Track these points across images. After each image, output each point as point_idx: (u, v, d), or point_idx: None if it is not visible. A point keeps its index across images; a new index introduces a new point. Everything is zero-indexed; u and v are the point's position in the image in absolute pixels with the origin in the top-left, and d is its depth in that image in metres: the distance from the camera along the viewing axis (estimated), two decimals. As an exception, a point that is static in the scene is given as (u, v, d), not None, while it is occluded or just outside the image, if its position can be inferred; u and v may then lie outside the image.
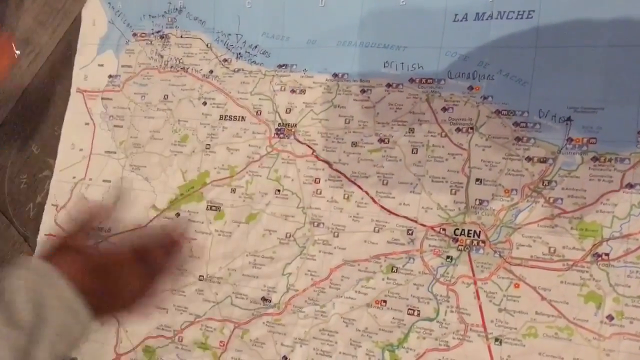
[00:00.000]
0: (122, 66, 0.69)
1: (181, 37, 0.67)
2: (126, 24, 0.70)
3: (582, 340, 0.46)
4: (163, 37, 0.68)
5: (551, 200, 0.49)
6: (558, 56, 0.51)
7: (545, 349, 0.47)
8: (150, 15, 0.69)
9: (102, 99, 0.69)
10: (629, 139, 0.47)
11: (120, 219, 0.65)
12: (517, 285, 0.49)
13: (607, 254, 0.46)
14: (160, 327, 0.61)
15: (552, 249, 0.48)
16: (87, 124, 0.69)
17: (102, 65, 0.70)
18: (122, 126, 0.67)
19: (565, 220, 0.48)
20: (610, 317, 0.46)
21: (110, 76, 0.69)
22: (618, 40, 0.49)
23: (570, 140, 0.49)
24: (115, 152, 0.67)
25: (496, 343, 0.49)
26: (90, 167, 0.68)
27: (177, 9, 0.67)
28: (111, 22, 0.71)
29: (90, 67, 0.70)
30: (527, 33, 0.52)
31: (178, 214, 0.62)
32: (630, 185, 0.47)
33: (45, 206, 0.69)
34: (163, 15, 0.68)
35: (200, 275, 0.60)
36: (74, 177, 0.68)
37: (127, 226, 0.64)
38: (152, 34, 0.68)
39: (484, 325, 0.49)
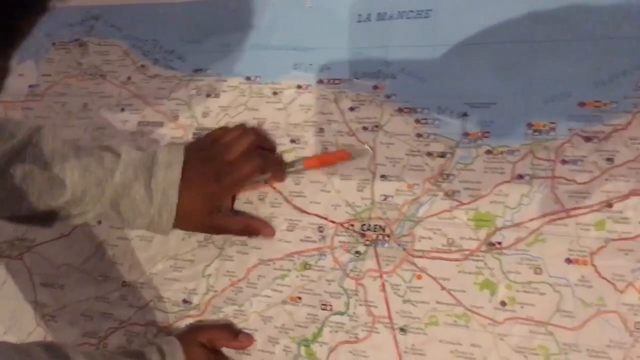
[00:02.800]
0: (42, 75, 0.69)
1: (99, 44, 0.67)
2: (44, 33, 0.70)
3: (479, 327, 0.48)
4: (82, 45, 0.68)
5: (449, 193, 0.51)
6: (454, 54, 0.53)
7: (445, 336, 0.49)
8: (68, 24, 0.69)
9: (23, 108, 0.69)
10: (519, 132, 0.50)
11: (43, 228, 0.65)
12: (419, 277, 0.51)
13: (499, 243, 0.49)
14: (86, 334, 0.61)
15: (450, 240, 0.50)
16: (9, 134, 0.69)
17: (22, 75, 0.70)
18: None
19: (462, 211, 0.50)
20: (503, 303, 0.48)
21: (30, 86, 0.69)
22: (508, 37, 0.51)
23: (466, 134, 0.51)
24: (37, 162, 0.67)
25: (401, 333, 0.50)
26: (13, 178, 0.68)
27: (94, 17, 0.68)
28: (30, 31, 0.70)
29: (9, 77, 0.69)
30: (425, 32, 0.54)
31: (99, 222, 0.62)
32: (520, 176, 0.49)
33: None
34: (81, 24, 0.68)
35: (123, 281, 0.61)
36: (-3, 189, 0.68)
37: (50, 236, 0.64)
38: (71, 42, 0.68)
39: (389, 317, 0.51)
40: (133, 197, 0.52)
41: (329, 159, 0.55)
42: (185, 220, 0.54)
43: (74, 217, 0.54)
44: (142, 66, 0.65)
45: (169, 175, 0.52)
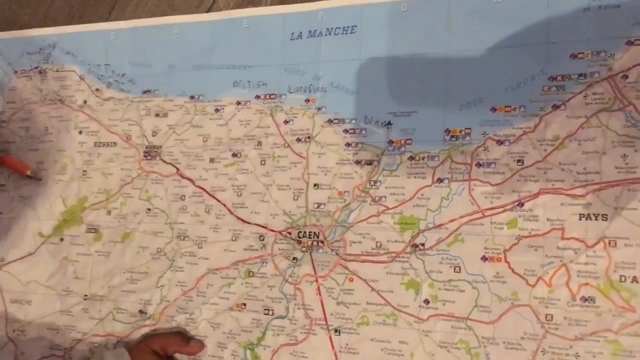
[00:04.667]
0: (7, 103, 0.73)
1: (57, 71, 0.70)
2: (7, 62, 0.73)
3: (405, 324, 0.51)
4: (41, 72, 0.71)
5: (377, 198, 0.53)
6: (378, 67, 0.55)
7: (375, 334, 0.51)
8: (28, 53, 0.72)
9: (-9, 135, 0.73)
10: (438, 138, 0.52)
11: (11, 248, 0.68)
12: (351, 279, 0.53)
13: (423, 244, 0.51)
14: (53, 347, 0.65)
15: (378, 244, 0.53)
16: (-21, 159, 0.73)
17: (-11, 103, 0.74)
18: (9, 153, 0.71)
19: (388, 216, 0.53)
20: (426, 301, 0.50)
21: (-3, 113, 0.73)
22: (426, 49, 0.54)
23: (391, 142, 0.54)
24: (4, 185, 0.70)
25: (335, 334, 0.53)
26: (-17, 201, 0.71)
27: (50, 45, 0.71)
28: (-6, 61, 0.74)
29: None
30: (351, 47, 0.57)
31: (62, 239, 0.66)
32: (440, 180, 0.52)
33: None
34: (39, 52, 0.72)
35: (85, 295, 0.64)
36: (-31, 212, 0.72)
37: (18, 255, 0.68)
38: (32, 70, 0.72)
39: (325, 319, 0.54)
40: None
41: None
42: None
43: None
44: (97, 90, 0.68)
45: None
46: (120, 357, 0.56)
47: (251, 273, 0.57)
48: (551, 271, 0.47)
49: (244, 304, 0.57)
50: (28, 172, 0.68)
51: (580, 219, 0.47)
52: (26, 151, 0.70)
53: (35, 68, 0.72)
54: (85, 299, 0.64)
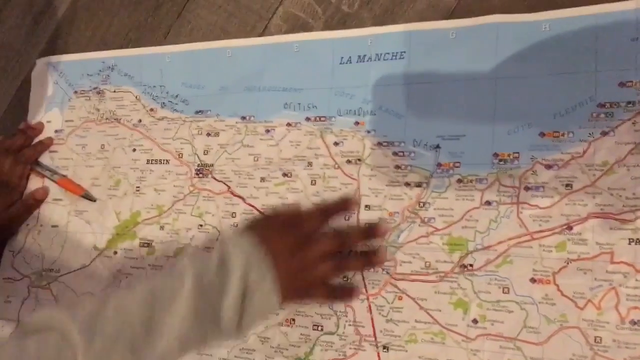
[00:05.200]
0: (66, 121, 0.77)
1: (114, 91, 0.74)
2: (68, 83, 0.77)
3: (453, 343, 0.52)
4: (99, 93, 0.75)
5: (426, 219, 0.55)
6: (426, 91, 0.57)
7: (423, 352, 0.53)
8: (87, 74, 0.76)
9: (50, 151, 0.76)
10: (486, 161, 0.54)
11: (67, 260, 0.72)
12: (400, 298, 0.55)
13: (471, 265, 0.52)
14: (105, 356, 0.67)
15: (427, 263, 0.54)
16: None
17: (49, 121, 0.78)
18: (66, 175, 0.74)
19: (437, 237, 0.54)
20: (475, 321, 0.51)
21: (56, 131, 0.77)
22: (475, 75, 0.55)
23: (439, 165, 0.56)
24: (61, 200, 0.74)
25: (384, 350, 0.54)
26: (41, 214, 0.75)
27: (109, 67, 0.75)
28: (56, 82, 0.78)
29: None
30: (400, 72, 0.59)
31: (115, 252, 0.69)
32: (488, 202, 0.53)
33: (4, 252, 0.77)
34: (98, 74, 0.75)
35: (137, 307, 0.67)
36: (27, 225, 0.76)
37: (73, 266, 0.71)
38: (90, 90, 0.76)
39: (374, 335, 0.55)
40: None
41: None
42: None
43: None
44: (151, 110, 0.71)
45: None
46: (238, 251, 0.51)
47: (300, 289, 0.59)
48: (600, 294, 0.48)
49: (293, 320, 0.59)
50: (81, 194, 0.72)
51: (629, 244, 0.47)
52: (82, 167, 0.74)
53: (94, 89, 0.75)
54: (137, 311, 0.67)
